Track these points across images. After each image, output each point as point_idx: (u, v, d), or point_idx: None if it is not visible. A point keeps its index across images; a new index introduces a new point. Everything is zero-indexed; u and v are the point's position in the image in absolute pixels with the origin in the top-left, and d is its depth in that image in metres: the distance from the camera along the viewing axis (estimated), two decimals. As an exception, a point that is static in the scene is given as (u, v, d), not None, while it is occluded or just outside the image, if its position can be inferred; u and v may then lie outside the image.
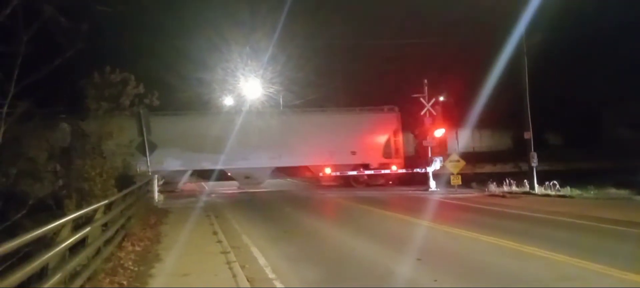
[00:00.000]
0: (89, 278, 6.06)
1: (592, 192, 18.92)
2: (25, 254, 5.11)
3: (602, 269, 6.96)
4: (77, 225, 6.50)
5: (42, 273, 4.97)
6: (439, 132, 25.61)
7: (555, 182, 20.24)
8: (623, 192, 18.67)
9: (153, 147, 20.59)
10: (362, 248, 9.57)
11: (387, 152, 29.45)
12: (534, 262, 7.81)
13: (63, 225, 5.59)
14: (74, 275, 5.62)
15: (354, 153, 28.84)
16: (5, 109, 8.47)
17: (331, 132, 28.66)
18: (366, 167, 28.98)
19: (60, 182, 12.37)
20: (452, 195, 20.50)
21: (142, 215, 12.74)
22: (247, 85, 32.91)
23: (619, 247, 8.87)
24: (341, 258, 8.62)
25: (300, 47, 30.21)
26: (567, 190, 19.39)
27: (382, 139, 29.81)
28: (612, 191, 19.13)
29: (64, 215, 6.35)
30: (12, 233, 7.09)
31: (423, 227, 11.95)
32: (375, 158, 29.30)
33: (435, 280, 6.82)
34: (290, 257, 8.67)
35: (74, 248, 5.99)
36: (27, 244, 4.82)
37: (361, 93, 31.86)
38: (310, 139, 28.37)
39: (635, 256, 8.00)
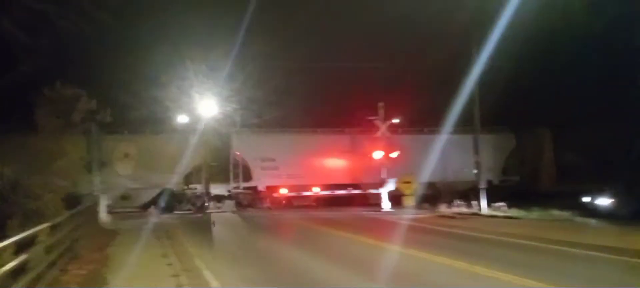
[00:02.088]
0: (30, 305, 5.76)
1: (535, 214, 19.81)
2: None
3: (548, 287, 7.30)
4: (20, 247, 6.20)
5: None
6: (393, 154, 26.15)
7: (502, 203, 21.10)
8: (565, 214, 19.73)
9: (102, 166, 19.97)
10: (317, 269, 9.61)
11: (344, 172, 29.71)
12: (484, 281, 8.08)
13: (4, 249, 5.34)
14: (14, 302, 5.35)
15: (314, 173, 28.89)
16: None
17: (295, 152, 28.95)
18: (326, 187, 28.95)
19: None
20: (404, 216, 20.89)
21: (89, 236, 12.25)
22: (203, 104, 32.45)
23: (563, 266, 9.33)
24: (296, 280, 8.61)
25: (260, 66, 30.13)
26: (513, 212, 20.23)
27: (339, 161, 30.06)
28: (555, 213, 20.16)
29: (5, 237, 6.05)
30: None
31: (377, 248, 12.13)
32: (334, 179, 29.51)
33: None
34: (246, 280, 8.57)
35: (16, 272, 5.70)
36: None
37: (319, 113, 32.07)
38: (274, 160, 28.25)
39: (579, 275, 8.45)
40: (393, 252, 11.58)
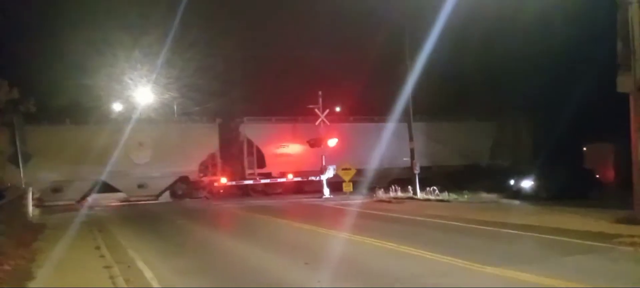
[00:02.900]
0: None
1: (466, 197, 21.00)
2: None
3: (466, 264, 7.87)
4: None
5: None
6: (332, 141, 26.62)
7: (435, 187, 22.15)
8: (492, 196, 21.10)
9: (28, 158, 18.96)
10: (253, 256, 9.76)
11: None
12: (410, 260, 8.60)
13: None
14: None
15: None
16: None
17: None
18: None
19: None
20: (343, 202, 21.46)
21: (15, 231, 11.68)
22: (138, 92, 31.33)
23: (482, 244, 10.05)
24: (233, 268, 8.71)
25: (200, 54, 29.44)
26: (445, 195, 21.31)
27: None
28: (484, 195, 21.49)
29: None
30: None
31: (313, 233, 12.48)
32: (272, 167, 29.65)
33: (319, 282, 7.24)
34: (180, 270, 8.56)
35: None
36: None
37: (260, 101, 31.96)
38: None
39: (494, 251, 9.15)
40: (327, 235, 11.97)
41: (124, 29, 28.03)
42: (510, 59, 26.90)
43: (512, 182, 21.88)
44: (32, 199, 18.71)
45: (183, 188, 28.32)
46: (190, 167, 28.28)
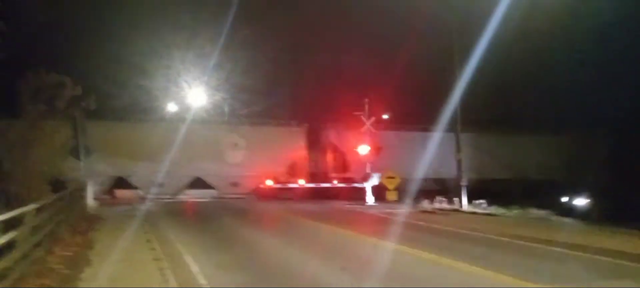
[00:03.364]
0: (16, 280, 6.04)
1: (515, 211, 20.36)
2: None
3: (510, 281, 7.72)
4: (6, 227, 6.44)
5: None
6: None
7: (482, 200, 21.63)
8: (542, 213, 20.33)
9: (88, 152, 20.10)
10: (293, 257, 9.96)
11: (295, 166, 30.14)
12: (451, 272, 8.51)
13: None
14: (1, 277, 5.61)
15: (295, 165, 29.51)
16: None
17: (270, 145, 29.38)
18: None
19: None
20: (386, 210, 21.32)
21: (74, 221, 12.47)
22: (191, 93, 32.52)
23: (527, 261, 9.76)
24: (272, 267, 8.95)
25: (247, 55, 30.23)
26: (492, 209, 20.77)
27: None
28: (534, 211, 20.75)
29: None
30: None
31: (352, 239, 12.55)
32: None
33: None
34: (224, 265, 8.88)
35: (2, 251, 5.96)
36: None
37: (304, 105, 32.31)
38: (255, 151, 28.78)
39: (540, 269, 8.87)
40: (367, 242, 12.00)
41: (178, 31, 29.19)
42: (570, 71, 26.02)
43: (564, 199, 21.08)
44: (91, 192, 19.80)
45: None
46: (279, 169, 29.37)
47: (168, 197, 27.41)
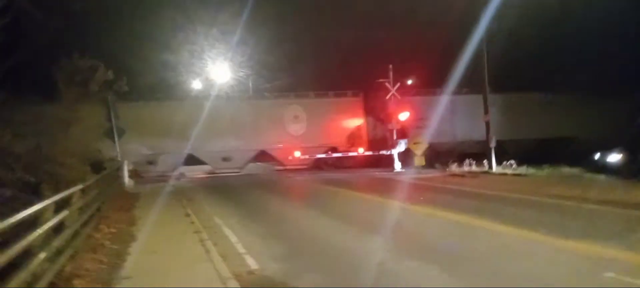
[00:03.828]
0: (71, 256, 6.47)
1: (546, 171, 20.14)
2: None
3: (544, 239, 7.81)
4: (57, 207, 6.86)
5: (28, 254, 5.36)
6: (404, 115, 26.48)
7: (512, 161, 21.44)
8: (575, 171, 20.02)
9: (121, 133, 20.74)
10: (327, 225, 10.24)
11: (354, 135, 30.51)
12: (483, 233, 8.63)
13: (46, 208, 5.98)
14: (57, 254, 6.04)
15: (323, 136, 29.85)
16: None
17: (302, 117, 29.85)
18: (334, 150, 29.83)
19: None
20: (415, 176, 21.43)
21: (115, 199, 13.05)
22: (215, 69, 32.91)
23: (560, 219, 9.77)
24: (307, 236, 9.25)
25: (270, 30, 30.32)
26: (523, 169, 20.59)
27: (349, 123, 30.93)
28: (565, 170, 20.47)
29: (42, 199, 6.69)
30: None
31: (383, 205, 12.74)
32: (344, 142, 30.28)
33: (388, 251, 7.54)
34: (260, 235, 9.24)
35: (56, 230, 6.38)
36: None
37: (329, 78, 32.33)
38: (280, 124, 29.25)
39: (573, 226, 8.87)
40: (398, 208, 12.17)
41: (203, 5, 29.41)
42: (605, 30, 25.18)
43: (597, 155, 20.69)
44: (127, 171, 20.49)
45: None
46: (338, 139, 30.11)
47: (205, 172, 28.34)
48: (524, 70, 29.88)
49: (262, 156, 30.64)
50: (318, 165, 29.39)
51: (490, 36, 22.24)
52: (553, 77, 30.90)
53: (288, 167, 29.32)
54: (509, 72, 27.40)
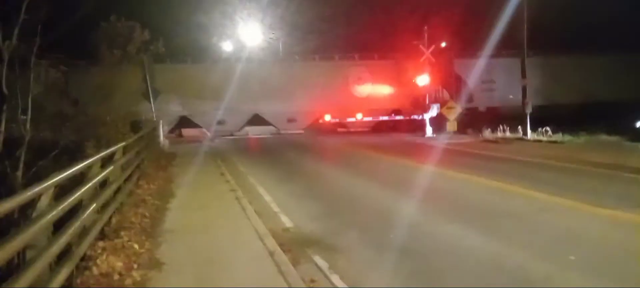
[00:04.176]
0: (116, 209, 6.84)
1: (582, 138, 19.61)
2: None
3: (575, 204, 7.75)
4: (102, 163, 7.20)
5: (78, 206, 5.71)
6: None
7: (547, 127, 20.94)
8: (613, 138, 19.40)
9: (157, 94, 21.21)
10: (360, 187, 10.39)
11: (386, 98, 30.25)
12: (515, 197, 8.62)
13: (93, 163, 6.31)
14: (104, 206, 6.39)
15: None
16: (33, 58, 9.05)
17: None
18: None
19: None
20: (447, 141, 21.23)
21: (153, 158, 13.51)
22: (247, 31, 32.91)
23: (595, 186, 9.62)
24: (341, 196, 9.43)
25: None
26: (558, 136, 20.11)
27: (383, 87, 30.61)
28: (603, 137, 19.85)
29: (88, 156, 7.04)
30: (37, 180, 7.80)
31: (415, 169, 12.77)
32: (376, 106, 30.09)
33: (424, 214, 7.64)
34: (294, 195, 9.48)
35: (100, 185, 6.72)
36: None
37: (361, 40, 31.89)
38: (313, 88, 29.21)
39: (607, 193, 8.72)
40: (431, 172, 12.19)
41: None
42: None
43: (639, 123, 19.97)
44: (163, 131, 21.03)
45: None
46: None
47: (230, 133, 28.85)
48: (561, 31, 28.72)
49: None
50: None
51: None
52: (594, 37, 29.61)
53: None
54: (546, 33, 26.37)
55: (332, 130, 29.98)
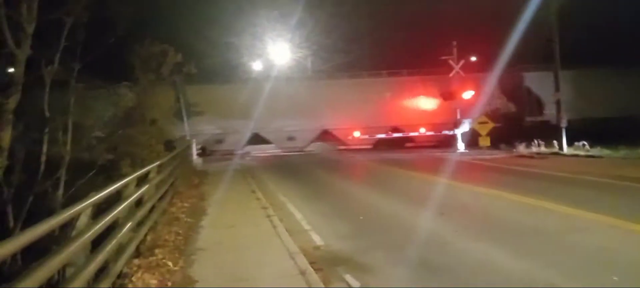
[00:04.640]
0: (151, 227, 7.01)
1: (622, 152, 18.91)
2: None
3: (612, 221, 7.48)
4: (138, 182, 7.41)
5: (115, 224, 5.88)
6: (468, 94, 25.75)
7: (585, 142, 20.33)
8: (656, 153, 18.60)
9: (189, 114, 21.77)
10: (389, 205, 10.30)
11: (416, 114, 30.06)
12: (549, 215, 8.36)
13: (129, 183, 6.50)
14: (139, 224, 6.56)
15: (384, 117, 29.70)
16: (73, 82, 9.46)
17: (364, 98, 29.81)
18: (395, 130, 29.61)
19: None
20: (479, 156, 20.86)
21: (186, 176, 13.80)
22: (275, 50, 33.46)
23: (632, 203, 9.26)
24: (369, 215, 9.36)
25: (327, 11, 30.37)
26: (596, 151, 19.48)
27: (411, 102, 30.48)
28: (645, 151, 19.07)
29: (124, 175, 7.26)
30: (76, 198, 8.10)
31: (448, 186, 12.57)
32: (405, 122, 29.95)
33: (456, 231, 7.51)
34: (323, 213, 9.49)
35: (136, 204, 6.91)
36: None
37: (388, 57, 31.93)
38: (344, 105, 29.40)
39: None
40: (462, 189, 11.99)
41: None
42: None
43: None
44: (195, 149, 21.50)
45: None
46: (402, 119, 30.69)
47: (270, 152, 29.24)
48: (595, 43, 27.98)
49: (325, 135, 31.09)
50: (378, 145, 29.35)
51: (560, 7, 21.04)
52: (631, 49, 28.73)
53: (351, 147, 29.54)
54: (580, 45, 25.77)
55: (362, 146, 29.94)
